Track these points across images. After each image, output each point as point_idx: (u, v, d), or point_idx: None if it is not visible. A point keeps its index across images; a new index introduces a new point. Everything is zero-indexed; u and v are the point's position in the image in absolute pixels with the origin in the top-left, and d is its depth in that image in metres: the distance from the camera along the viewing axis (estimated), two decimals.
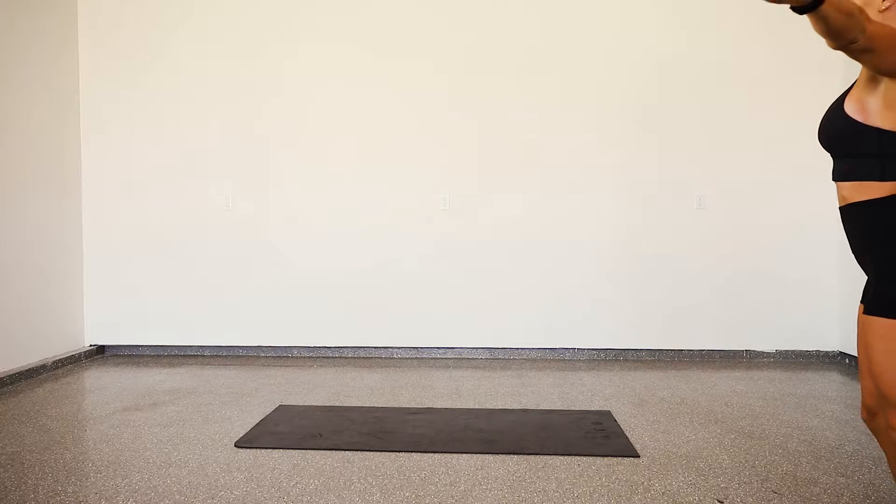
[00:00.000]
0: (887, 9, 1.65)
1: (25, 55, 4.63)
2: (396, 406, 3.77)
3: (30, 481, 2.67)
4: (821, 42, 4.90)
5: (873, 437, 3.17)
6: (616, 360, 5.06)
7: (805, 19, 4.85)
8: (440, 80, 5.10)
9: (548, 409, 3.71)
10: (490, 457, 2.91)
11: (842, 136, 1.67)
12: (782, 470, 2.75)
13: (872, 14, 1.65)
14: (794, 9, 1.40)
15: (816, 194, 4.95)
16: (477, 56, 5.07)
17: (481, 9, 5.06)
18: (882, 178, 1.61)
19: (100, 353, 5.29)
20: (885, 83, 1.59)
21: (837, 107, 1.70)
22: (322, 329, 5.17)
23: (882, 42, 1.46)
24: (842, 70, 4.88)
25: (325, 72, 5.12)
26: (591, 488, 2.56)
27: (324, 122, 5.14)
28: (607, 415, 3.55)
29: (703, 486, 2.59)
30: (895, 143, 1.58)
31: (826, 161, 4.93)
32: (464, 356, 5.12)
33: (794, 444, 3.07)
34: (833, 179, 1.74)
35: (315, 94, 5.13)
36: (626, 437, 3.16)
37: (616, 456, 2.92)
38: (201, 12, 5.17)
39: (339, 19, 5.11)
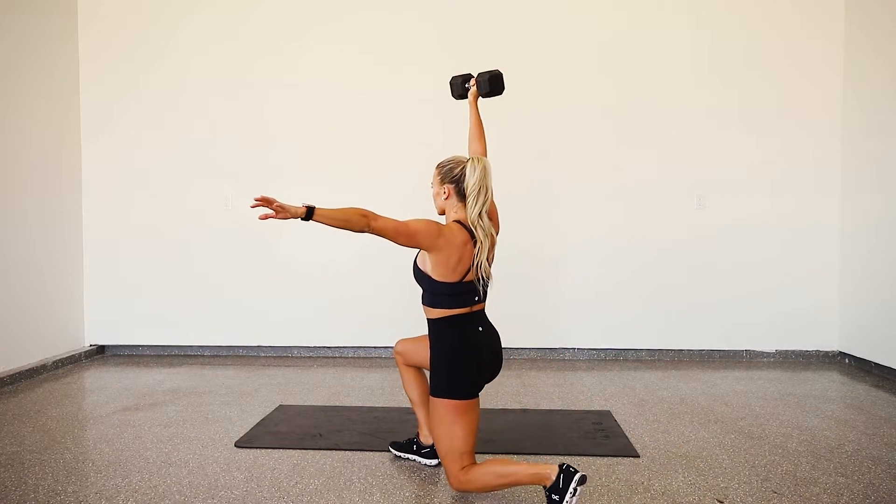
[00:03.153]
0: (447, 198, 2.55)
1: (26, 55, 4.63)
2: (396, 406, 3.77)
3: (30, 481, 2.67)
4: (821, 38, 4.91)
5: (872, 437, 3.18)
6: (616, 360, 5.06)
7: (806, 13, 4.90)
8: (440, 81, 5.09)
9: (548, 409, 3.71)
10: (490, 457, 2.91)
11: (416, 276, 2.54)
12: (782, 470, 2.75)
13: (438, 202, 2.59)
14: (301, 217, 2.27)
15: (816, 194, 4.95)
16: (472, 57, 5.07)
17: (476, 12, 5.05)
18: (432, 306, 2.52)
19: (100, 353, 5.29)
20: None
21: (415, 258, 2.57)
22: (322, 329, 5.17)
23: (388, 233, 2.32)
24: (842, 67, 4.88)
25: (325, 73, 5.11)
26: (591, 488, 2.56)
27: (324, 121, 5.14)
28: (607, 415, 3.55)
29: (703, 486, 2.59)
30: (436, 285, 2.46)
31: (825, 161, 4.94)
32: None
33: (794, 444, 3.07)
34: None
35: (316, 95, 5.13)
36: (626, 437, 3.16)
37: (616, 456, 2.92)
38: (201, 13, 5.17)
39: (340, 22, 5.11)
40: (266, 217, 2.28)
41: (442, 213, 2.62)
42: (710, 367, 4.80)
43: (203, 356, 5.23)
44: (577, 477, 2.22)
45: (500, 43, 5.07)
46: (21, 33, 4.58)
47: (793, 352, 5.01)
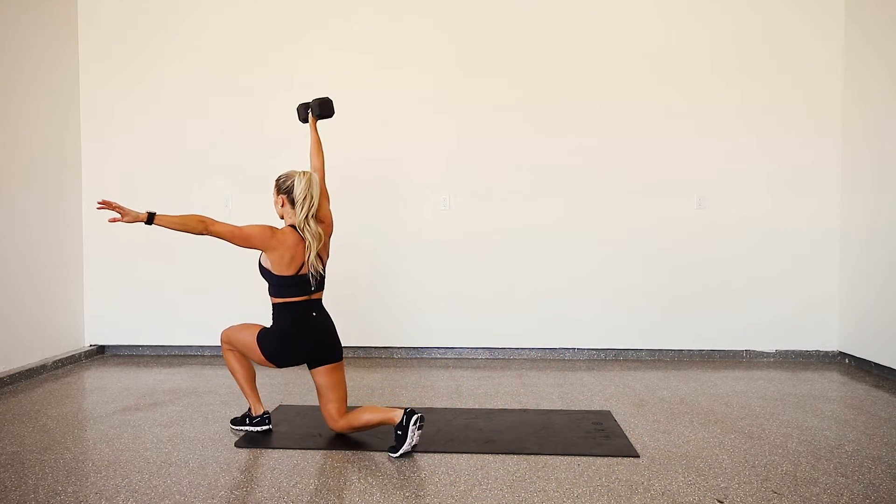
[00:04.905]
0: (282, 206, 3.04)
1: (26, 56, 4.62)
2: (397, 406, 3.77)
3: (30, 481, 2.67)
4: (821, 38, 4.91)
5: (872, 437, 3.17)
6: (616, 360, 5.06)
7: (806, 13, 4.90)
8: (439, 83, 5.09)
9: (548, 409, 3.71)
10: (490, 457, 2.91)
11: (261, 272, 3.05)
12: (782, 470, 2.75)
13: (277, 209, 3.07)
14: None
15: (817, 194, 4.95)
16: (472, 55, 5.07)
17: (472, 16, 5.05)
18: (274, 295, 3.03)
19: (100, 353, 5.29)
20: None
21: (259, 258, 3.06)
22: None
23: (225, 237, 2.81)
24: (842, 67, 4.88)
25: (326, 73, 5.11)
26: (591, 488, 2.56)
27: (324, 123, 5.12)
28: (607, 415, 3.55)
29: (703, 486, 2.59)
30: (276, 278, 2.98)
31: (825, 161, 4.94)
32: (464, 356, 5.12)
33: (794, 444, 3.07)
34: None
35: (316, 95, 5.12)
36: (626, 437, 3.16)
37: (616, 456, 2.91)
38: (202, 14, 5.17)
39: (340, 23, 5.10)
40: (114, 220, 2.70)
41: (282, 217, 3.09)
42: (710, 367, 4.80)
43: (203, 356, 5.23)
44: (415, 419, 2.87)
45: (499, 41, 5.07)
46: (21, 34, 4.58)
47: (793, 352, 5.01)
